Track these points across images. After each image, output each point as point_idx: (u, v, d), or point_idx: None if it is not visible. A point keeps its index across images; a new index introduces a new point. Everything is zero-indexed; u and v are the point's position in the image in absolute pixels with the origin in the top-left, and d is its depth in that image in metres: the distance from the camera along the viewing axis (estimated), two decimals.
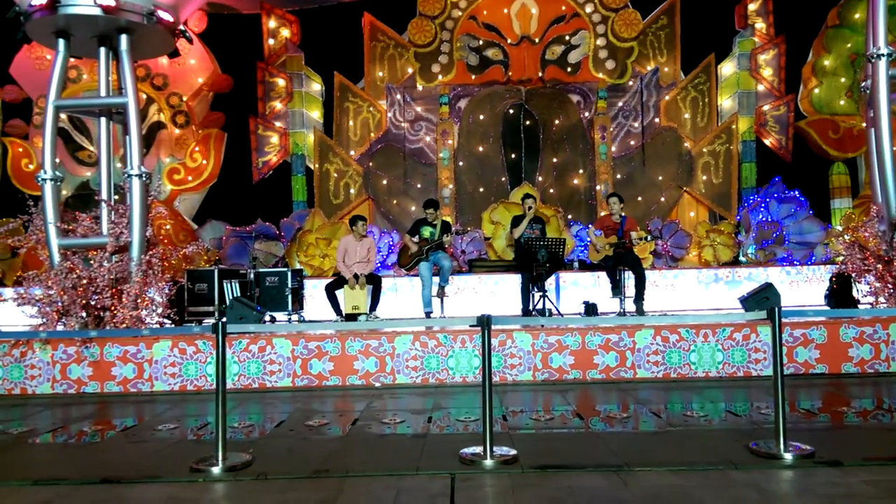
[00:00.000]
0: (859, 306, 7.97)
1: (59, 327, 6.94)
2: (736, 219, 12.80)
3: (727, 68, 14.43)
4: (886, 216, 7.37)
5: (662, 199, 13.76)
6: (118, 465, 4.00)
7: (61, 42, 7.52)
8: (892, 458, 3.73)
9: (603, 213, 12.71)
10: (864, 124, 9.34)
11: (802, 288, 10.77)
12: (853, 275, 7.75)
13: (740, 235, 12.11)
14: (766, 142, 13.87)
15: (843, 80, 13.36)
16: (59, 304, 6.93)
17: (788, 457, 3.73)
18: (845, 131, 13.24)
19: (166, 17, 7.72)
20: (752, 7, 14.33)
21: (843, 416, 4.97)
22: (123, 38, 7.52)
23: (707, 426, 4.67)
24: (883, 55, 7.33)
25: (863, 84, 7.86)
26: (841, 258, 8.14)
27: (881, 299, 7.36)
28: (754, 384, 6.24)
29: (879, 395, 5.72)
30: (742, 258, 12.10)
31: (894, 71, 7.40)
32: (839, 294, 8.27)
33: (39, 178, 7.53)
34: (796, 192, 11.98)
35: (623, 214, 8.56)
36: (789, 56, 13.94)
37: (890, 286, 7.27)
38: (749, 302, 7.17)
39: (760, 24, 14.35)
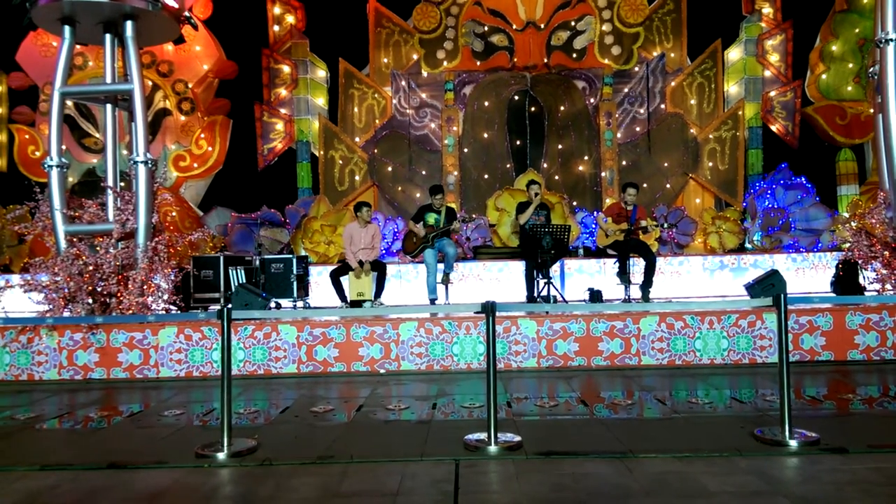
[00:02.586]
0: (865, 293, 7.95)
1: (66, 314, 6.96)
2: (742, 205, 12.76)
3: (734, 54, 14.34)
4: (894, 203, 7.33)
5: (668, 185, 13.73)
6: (124, 451, 4.02)
7: (67, 29, 7.51)
8: None
9: (609, 200, 12.69)
10: (871, 110, 9.28)
11: (808, 275, 10.74)
12: (860, 262, 7.71)
13: (746, 222, 12.07)
14: (773, 128, 13.80)
15: (850, 65, 13.26)
16: (66, 290, 6.95)
17: (793, 444, 3.73)
18: (852, 117, 13.16)
19: (171, 3, 7.70)
20: None
21: (849, 403, 4.96)
22: (129, 25, 7.50)
23: (712, 413, 4.67)
24: (891, 40, 7.25)
25: (871, 69, 7.79)
26: (847, 245, 8.11)
27: (888, 286, 7.33)
28: (759, 371, 6.24)
29: (885, 382, 5.70)
30: (748, 245, 12.07)
31: None
32: (845, 281, 8.24)
33: (46, 165, 7.53)
34: (803, 179, 11.92)
35: (635, 204, 8.54)
36: (796, 41, 13.86)
37: None
38: (754, 289, 7.13)
39: (767, 9, 14.24)
